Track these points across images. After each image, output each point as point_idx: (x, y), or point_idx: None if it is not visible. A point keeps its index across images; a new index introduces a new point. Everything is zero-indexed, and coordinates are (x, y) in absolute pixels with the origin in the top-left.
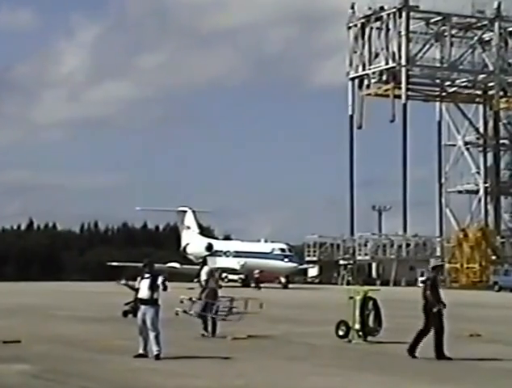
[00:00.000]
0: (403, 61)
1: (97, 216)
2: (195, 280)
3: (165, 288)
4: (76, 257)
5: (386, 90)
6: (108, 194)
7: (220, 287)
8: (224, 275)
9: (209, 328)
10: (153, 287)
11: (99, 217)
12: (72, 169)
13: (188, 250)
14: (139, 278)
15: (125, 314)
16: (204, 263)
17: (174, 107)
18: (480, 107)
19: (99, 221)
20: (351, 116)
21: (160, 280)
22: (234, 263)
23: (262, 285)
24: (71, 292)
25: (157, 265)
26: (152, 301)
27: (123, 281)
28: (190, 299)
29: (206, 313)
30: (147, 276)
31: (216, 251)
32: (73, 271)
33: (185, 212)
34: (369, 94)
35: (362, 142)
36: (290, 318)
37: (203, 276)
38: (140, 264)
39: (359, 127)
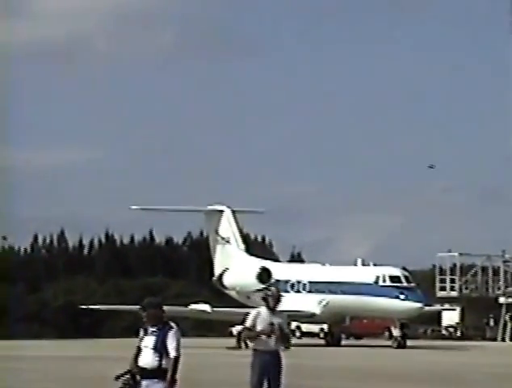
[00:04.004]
0: None
1: (62, 221)
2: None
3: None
4: (24, 295)
5: None
6: (81, 184)
7: (288, 346)
8: (294, 324)
9: None
10: (160, 348)
11: (66, 224)
12: (12, 140)
13: (227, 280)
14: (141, 332)
15: None
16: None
17: (200, 25)
18: None
19: (66, 231)
20: None
21: (172, 335)
22: (311, 302)
23: (359, 342)
24: (17, 358)
25: (168, 309)
26: (159, 374)
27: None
28: None
29: None
30: (152, 329)
31: (278, 282)
32: (18, 320)
33: (220, 213)
34: None
35: None
36: None
37: (249, 322)
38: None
39: None
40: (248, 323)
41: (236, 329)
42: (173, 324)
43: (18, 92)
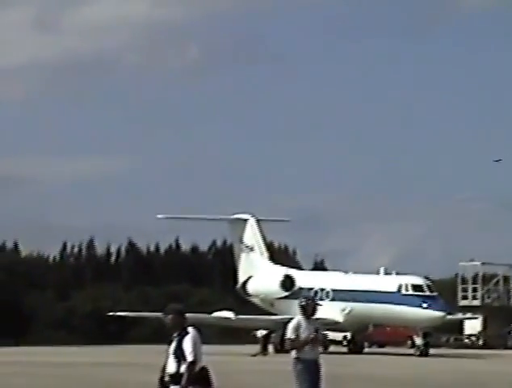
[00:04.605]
0: None
1: (92, 229)
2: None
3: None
4: (52, 302)
5: None
6: (109, 193)
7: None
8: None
9: None
10: (179, 354)
11: (96, 232)
12: (41, 150)
13: (251, 287)
14: (171, 338)
15: None
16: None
17: (225, 39)
18: None
19: (96, 239)
20: None
21: (188, 339)
22: (334, 310)
23: (382, 350)
24: (45, 364)
25: (192, 316)
26: (178, 379)
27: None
28: None
29: None
30: (175, 335)
31: (301, 290)
32: (46, 326)
33: (244, 221)
34: None
35: None
36: None
37: (290, 333)
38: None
39: None
40: (290, 334)
41: (260, 332)
42: (190, 329)
43: (50, 104)
